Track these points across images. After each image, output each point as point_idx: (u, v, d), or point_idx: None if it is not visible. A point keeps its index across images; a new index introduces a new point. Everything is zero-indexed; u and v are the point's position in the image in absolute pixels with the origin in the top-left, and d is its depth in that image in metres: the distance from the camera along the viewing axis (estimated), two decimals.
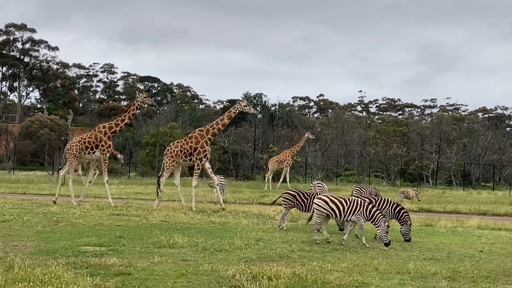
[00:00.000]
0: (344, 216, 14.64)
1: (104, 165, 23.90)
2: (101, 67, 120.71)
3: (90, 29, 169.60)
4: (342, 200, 14.76)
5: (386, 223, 14.18)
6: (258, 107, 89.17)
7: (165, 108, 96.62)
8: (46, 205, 21.72)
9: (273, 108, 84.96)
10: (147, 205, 22.47)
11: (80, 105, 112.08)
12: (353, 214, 14.52)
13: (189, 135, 23.83)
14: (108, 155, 23.67)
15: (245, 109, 23.93)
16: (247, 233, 15.75)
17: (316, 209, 14.89)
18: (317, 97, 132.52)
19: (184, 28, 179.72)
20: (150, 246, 13.22)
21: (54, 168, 54.54)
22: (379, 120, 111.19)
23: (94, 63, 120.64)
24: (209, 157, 23.41)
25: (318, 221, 14.90)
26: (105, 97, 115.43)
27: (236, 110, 23.76)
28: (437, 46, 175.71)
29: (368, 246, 14.20)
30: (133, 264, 10.87)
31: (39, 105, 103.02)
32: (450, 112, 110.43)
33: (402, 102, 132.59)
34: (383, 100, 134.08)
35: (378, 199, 16.42)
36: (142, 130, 71.78)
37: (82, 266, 10.49)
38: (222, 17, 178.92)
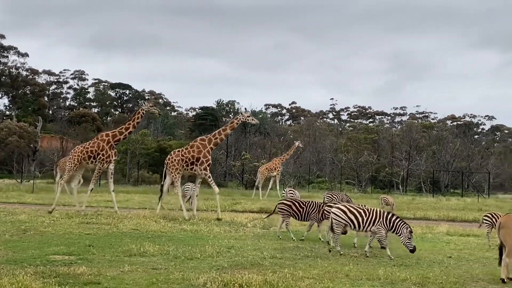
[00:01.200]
0: (364, 226, 14.36)
1: (98, 174, 23.61)
2: (72, 74, 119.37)
3: (61, 35, 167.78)
4: (361, 211, 14.48)
5: (408, 229, 14.02)
6: (230, 114, 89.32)
7: None
8: (14, 214, 21.32)
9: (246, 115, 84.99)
10: (118, 213, 22.23)
11: (50, 112, 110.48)
12: (373, 225, 14.25)
13: (191, 143, 23.56)
14: (106, 165, 23.23)
15: (247, 120, 23.94)
16: (219, 241, 15.71)
17: (335, 219, 14.56)
18: (290, 104, 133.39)
19: (157, 35, 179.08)
20: (120, 254, 13.07)
21: (22, 176, 53.57)
22: (350, 128, 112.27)
23: (64, 70, 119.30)
24: (210, 165, 23.18)
25: (339, 231, 14.59)
26: (76, 104, 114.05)
27: (238, 120, 23.75)
28: (407, 55, 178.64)
29: (392, 257, 13.93)
30: (102, 273, 10.73)
31: (8, 112, 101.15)
32: (419, 120, 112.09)
33: (373, 110, 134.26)
34: (354, 108, 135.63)
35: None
36: None
37: (51, 276, 10.32)
38: (195, 25, 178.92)
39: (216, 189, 23.07)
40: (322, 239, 16.70)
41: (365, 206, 15.48)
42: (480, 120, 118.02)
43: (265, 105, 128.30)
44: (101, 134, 23.91)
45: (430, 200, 44.01)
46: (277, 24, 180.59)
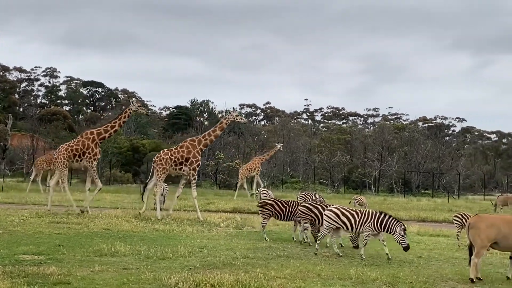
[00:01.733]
0: (357, 228, 14.39)
1: (94, 172, 23.42)
2: (43, 71, 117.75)
3: (33, 32, 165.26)
4: (354, 212, 14.49)
5: (402, 227, 14.07)
6: (204, 114, 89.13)
7: (109, 113, 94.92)
8: None
9: (220, 115, 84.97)
10: (90, 212, 21.99)
11: (21, 109, 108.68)
12: (363, 226, 14.28)
13: (180, 144, 23.37)
14: (95, 162, 23.11)
15: (236, 119, 23.85)
16: (192, 241, 15.65)
17: (327, 221, 14.56)
18: (264, 104, 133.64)
19: (132, 33, 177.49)
20: (90, 254, 12.93)
21: None
22: (324, 128, 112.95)
23: (36, 67, 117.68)
24: (199, 165, 23.08)
25: (325, 232, 14.65)
26: (47, 102, 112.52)
27: (228, 120, 23.64)
28: (381, 57, 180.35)
29: (364, 257, 14.00)
30: (72, 273, 10.60)
31: None
32: (392, 121, 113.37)
33: (346, 110, 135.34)
34: (328, 108, 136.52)
35: (329, 206, 16.53)
36: None
37: (20, 275, 10.15)
38: (171, 24, 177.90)
39: (195, 193, 22.95)
40: (295, 239, 16.75)
41: (358, 209, 15.35)
42: (451, 122, 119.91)
43: (240, 105, 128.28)
44: (86, 132, 23.68)
45: (402, 201, 44.52)
46: (254, 25, 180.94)
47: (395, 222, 14.15)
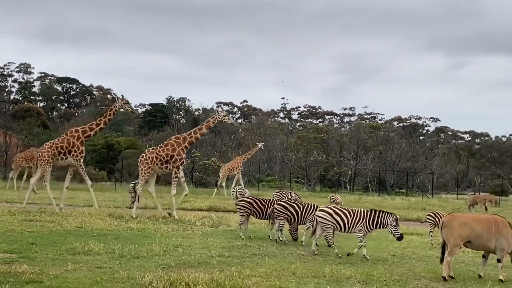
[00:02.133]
0: (350, 228, 14.31)
1: (82, 170, 23.21)
2: (17, 67, 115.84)
3: (6, 26, 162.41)
4: (347, 212, 14.41)
5: (394, 217, 14.10)
6: (181, 111, 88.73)
7: (84, 110, 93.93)
8: None
9: (196, 113, 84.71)
10: (63, 210, 21.72)
11: None
12: (356, 226, 14.23)
13: (165, 142, 23.12)
14: (82, 160, 22.93)
15: (224, 119, 23.60)
16: (166, 239, 15.55)
17: (320, 221, 14.46)
18: (241, 103, 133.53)
19: (108, 29, 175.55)
20: (63, 253, 12.76)
21: None
22: (301, 127, 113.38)
23: (9, 62, 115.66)
24: (184, 164, 22.93)
25: (330, 233, 14.58)
26: (20, 98, 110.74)
27: (215, 120, 23.40)
28: (358, 57, 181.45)
29: (368, 257, 13.96)
30: (45, 272, 10.45)
31: None
32: (367, 121, 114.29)
33: (322, 110, 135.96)
34: (305, 107, 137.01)
35: (305, 204, 16.59)
36: (59, 133, 69.31)
37: None
38: (147, 20, 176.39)
39: (174, 191, 22.78)
40: (271, 237, 16.77)
41: (351, 208, 15.22)
42: (425, 121, 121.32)
43: (217, 103, 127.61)
44: (71, 130, 23.47)
45: (376, 199, 44.98)
46: (231, 22, 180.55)
47: (386, 215, 14.21)
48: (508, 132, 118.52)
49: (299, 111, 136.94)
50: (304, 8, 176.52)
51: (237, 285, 9.82)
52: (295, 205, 16.34)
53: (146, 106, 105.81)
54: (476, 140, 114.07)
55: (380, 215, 14.22)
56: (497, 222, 11.78)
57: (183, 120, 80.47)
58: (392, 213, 14.32)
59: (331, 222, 14.35)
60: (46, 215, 20.14)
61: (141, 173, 22.36)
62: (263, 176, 65.59)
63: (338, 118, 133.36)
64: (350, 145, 73.78)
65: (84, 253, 12.79)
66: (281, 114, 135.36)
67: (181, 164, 22.55)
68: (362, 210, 14.55)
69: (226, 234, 17.53)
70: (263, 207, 16.91)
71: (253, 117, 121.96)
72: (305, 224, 16.25)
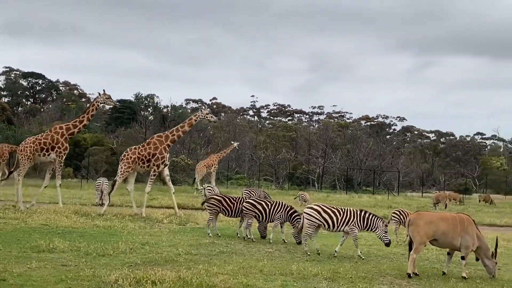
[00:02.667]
0: (338, 226, 14.21)
1: (59, 168, 22.93)
2: None
3: None
4: (335, 210, 14.31)
5: (384, 223, 14.13)
6: (149, 108, 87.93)
7: (50, 106, 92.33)
8: None
9: (165, 110, 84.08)
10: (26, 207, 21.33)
11: None
12: (347, 225, 14.13)
13: (147, 140, 23.00)
14: (64, 157, 22.76)
15: (206, 117, 23.53)
16: (133, 237, 15.42)
17: (308, 219, 14.33)
18: (210, 100, 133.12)
19: (75, 24, 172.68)
20: (28, 250, 12.55)
21: None
22: (270, 125, 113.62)
23: None
24: (167, 163, 22.86)
25: (310, 231, 14.39)
26: None
27: (197, 117, 23.32)
28: (327, 55, 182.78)
29: (363, 258, 13.98)
30: (8, 270, 10.26)
31: None
32: (335, 119, 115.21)
33: (292, 108, 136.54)
34: (274, 105, 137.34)
35: (273, 202, 16.63)
36: (24, 128, 68.08)
37: None
38: (116, 15, 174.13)
39: (149, 189, 22.79)
40: (239, 235, 16.78)
41: (340, 207, 15.07)
42: (392, 121, 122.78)
43: (186, 100, 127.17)
44: (55, 127, 23.30)
45: (344, 197, 45.41)
46: (201, 19, 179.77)
47: (377, 218, 14.25)
48: (472, 132, 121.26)
49: (269, 109, 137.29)
50: (275, 6, 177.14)
51: (204, 283, 9.80)
52: (263, 203, 16.38)
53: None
54: (441, 140, 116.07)
55: (370, 217, 14.25)
56: (462, 220, 12.03)
57: (151, 117, 79.73)
58: (382, 219, 14.40)
59: (319, 220, 14.26)
60: (10, 212, 19.81)
61: (121, 171, 22.24)
62: (232, 174, 65.56)
63: (307, 116, 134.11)
64: (318, 143, 74.31)
65: (49, 251, 12.61)
66: (251, 112, 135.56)
67: (162, 163, 22.49)
68: (352, 209, 14.52)
69: (194, 232, 17.48)
70: (232, 205, 16.90)
71: (223, 114, 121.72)
72: (273, 222, 16.31)
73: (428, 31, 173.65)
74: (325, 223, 14.23)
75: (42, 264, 11.03)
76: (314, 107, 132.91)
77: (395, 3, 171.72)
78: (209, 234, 16.63)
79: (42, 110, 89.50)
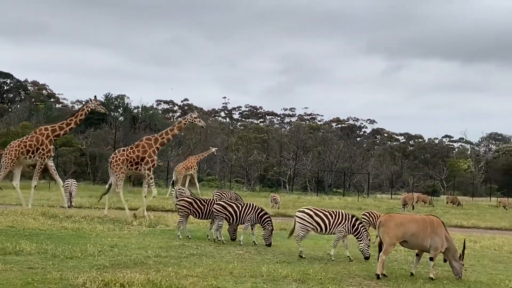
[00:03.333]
0: (330, 229, 14.18)
1: (39, 169, 22.72)
2: None
3: None
4: (327, 213, 14.26)
5: (368, 238, 14.17)
6: (119, 109, 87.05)
7: (18, 106, 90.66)
8: None
9: (135, 111, 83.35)
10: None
11: None
12: (337, 228, 14.12)
13: (136, 143, 22.83)
14: (46, 159, 22.52)
15: (195, 121, 23.38)
16: (102, 239, 15.24)
17: (300, 222, 14.25)
18: (182, 101, 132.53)
19: (44, 22, 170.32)
20: None
21: None
22: (242, 127, 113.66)
23: None
24: (155, 165, 22.74)
25: (302, 234, 14.31)
26: None
27: (186, 121, 23.25)
28: (299, 58, 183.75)
29: (333, 259, 13.99)
30: None
31: None
32: (307, 121, 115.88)
33: (263, 110, 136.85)
34: (246, 107, 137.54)
35: (244, 204, 16.62)
36: None
37: None
38: (86, 14, 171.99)
39: (155, 191, 22.87)
40: (209, 237, 16.72)
41: (331, 210, 15.02)
42: (362, 123, 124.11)
43: (157, 101, 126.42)
44: (40, 128, 23.13)
45: (314, 199, 45.69)
46: (172, 19, 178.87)
47: (364, 230, 14.31)
48: (440, 135, 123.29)
49: (240, 111, 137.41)
50: (248, 7, 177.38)
51: (174, 286, 9.75)
52: (233, 205, 16.37)
53: (83, 102, 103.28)
54: (410, 142, 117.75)
55: (360, 226, 14.31)
56: (432, 222, 12.21)
57: (121, 118, 78.92)
58: (368, 232, 14.50)
59: (311, 224, 14.24)
60: None
61: (116, 175, 22.24)
62: (203, 176, 65.33)
63: (279, 118, 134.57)
64: (289, 145, 74.59)
65: (15, 253, 12.40)
66: (222, 114, 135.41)
67: (152, 166, 22.46)
68: (344, 212, 14.54)
69: (164, 234, 17.37)
70: (202, 207, 16.84)
71: None
72: (243, 224, 16.31)
73: (399, 34, 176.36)
74: (317, 227, 14.24)
75: (8, 267, 10.83)
76: (285, 109, 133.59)
77: (367, 7, 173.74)
78: (179, 236, 16.54)
79: (10, 110, 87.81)
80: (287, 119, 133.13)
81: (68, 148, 58.68)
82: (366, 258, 14.22)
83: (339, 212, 14.53)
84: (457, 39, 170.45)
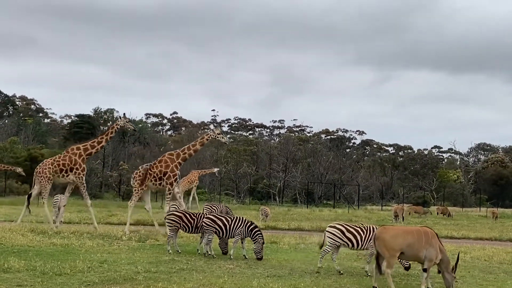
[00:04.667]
0: (362, 245, 14.01)
1: (83, 188, 22.95)
2: None
3: None
4: (358, 229, 14.05)
5: None
6: (108, 123, 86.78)
7: (6, 121, 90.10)
8: None
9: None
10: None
11: None
12: (370, 242, 13.86)
13: (159, 159, 23.15)
14: (83, 178, 22.81)
15: (218, 137, 23.58)
16: (91, 255, 15.11)
17: (331, 238, 14.09)
18: (171, 114, 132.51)
19: (32, 37, 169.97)
20: None
21: None
22: (231, 139, 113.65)
23: None
24: (177, 180, 22.98)
25: (329, 249, 14.19)
26: None
27: (209, 137, 23.45)
28: (288, 69, 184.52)
29: (342, 273, 13.88)
30: None
31: None
32: (296, 133, 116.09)
33: (253, 122, 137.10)
34: (235, 119, 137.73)
35: (233, 218, 16.56)
36: None
37: None
38: (75, 29, 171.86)
39: (183, 204, 23.19)
40: (199, 251, 16.63)
41: (363, 225, 14.89)
42: (351, 134, 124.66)
43: (146, 114, 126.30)
44: (72, 148, 23.37)
45: (305, 211, 45.65)
46: (161, 33, 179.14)
47: None
48: (429, 145, 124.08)
49: (229, 123, 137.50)
50: (236, 20, 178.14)
51: None
52: (223, 219, 16.31)
53: (72, 117, 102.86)
54: (400, 153, 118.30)
55: None
56: (426, 233, 12.22)
57: None
58: None
59: (342, 239, 14.11)
60: None
61: (135, 190, 22.72)
62: None
63: (268, 130, 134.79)
64: (279, 157, 74.64)
65: (4, 271, 12.26)
66: (211, 126, 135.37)
67: (174, 181, 22.71)
68: (373, 226, 14.46)
69: (154, 249, 17.25)
70: (192, 221, 16.76)
71: (183, 129, 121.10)
72: (233, 237, 16.24)
73: (387, 46, 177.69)
74: (348, 243, 14.08)
75: None
76: (275, 121, 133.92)
77: (355, 18, 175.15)
78: (169, 251, 16.44)
79: None
80: (276, 131, 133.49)
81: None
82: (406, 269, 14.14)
83: (369, 227, 14.44)
84: (444, 49, 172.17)
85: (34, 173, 22.98)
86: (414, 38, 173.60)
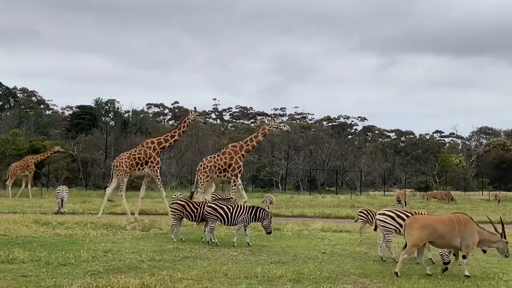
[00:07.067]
0: None
1: (158, 181, 23.74)
2: None
3: None
4: (409, 214, 13.80)
5: None
6: (110, 113, 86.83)
7: (7, 113, 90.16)
8: None
9: (126, 115, 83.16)
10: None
11: None
12: None
13: (222, 150, 23.64)
14: (158, 170, 23.47)
15: (280, 126, 24.05)
16: (95, 245, 15.20)
17: (383, 226, 14.06)
18: (172, 104, 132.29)
19: (32, 28, 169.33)
20: None
21: None
22: (233, 128, 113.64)
23: None
24: (241, 172, 23.39)
25: (390, 237, 14.13)
26: None
27: (270, 127, 23.99)
28: (292, 57, 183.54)
29: (434, 261, 13.83)
30: None
31: None
32: (298, 121, 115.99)
33: (254, 110, 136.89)
34: (237, 108, 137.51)
35: (236, 206, 16.60)
36: None
37: None
38: (74, 19, 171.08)
39: (245, 195, 23.72)
40: (203, 239, 16.72)
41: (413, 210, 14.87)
42: (353, 121, 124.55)
43: (147, 104, 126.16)
44: (146, 142, 23.96)
45: (307, 198, 45.74)
46: (162, 22, 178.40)
47: None
48: (431, 130, 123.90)
49: (231, 112, 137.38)
50: (239, 8, 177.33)
51: None
52: (225, 207, 16.38)
53: (73, 108, 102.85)
54: (401, 138, 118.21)
55: None
56: (459, 221, 12.21)
57: (112, 122, 78.70)
58: None
59: (393, 225, 14.05)
60: None
61: (201, 182, 22.96)
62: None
63: (269, 118, 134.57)
64: (281, 145, 74.62)
65: (9, 262, 12.35)
66: (213, 115, 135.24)
67: (239, 172, 23.15)
68: (424, 212, 14.41)
69: (158, 238, 17.34)
70: (195, 210, 16.85)
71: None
72: (235, 225, 16.31)
73: (389, 31, 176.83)
74: (399, 228, 13.86)
75: (2, 275, 10.78)
76: (276, 109, 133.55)
77: (357, 4, 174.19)
78: (173, 239, 16.53)
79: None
80: None
81: (59, 154, 58.27)
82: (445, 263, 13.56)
83: (420, 212, 14.33)
84: (447, 33, 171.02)
85: (112, 167, 23.66)
86: (417, 22, 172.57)
